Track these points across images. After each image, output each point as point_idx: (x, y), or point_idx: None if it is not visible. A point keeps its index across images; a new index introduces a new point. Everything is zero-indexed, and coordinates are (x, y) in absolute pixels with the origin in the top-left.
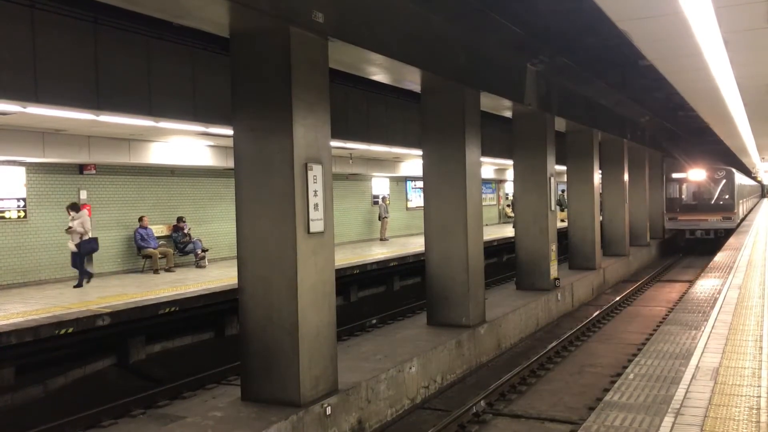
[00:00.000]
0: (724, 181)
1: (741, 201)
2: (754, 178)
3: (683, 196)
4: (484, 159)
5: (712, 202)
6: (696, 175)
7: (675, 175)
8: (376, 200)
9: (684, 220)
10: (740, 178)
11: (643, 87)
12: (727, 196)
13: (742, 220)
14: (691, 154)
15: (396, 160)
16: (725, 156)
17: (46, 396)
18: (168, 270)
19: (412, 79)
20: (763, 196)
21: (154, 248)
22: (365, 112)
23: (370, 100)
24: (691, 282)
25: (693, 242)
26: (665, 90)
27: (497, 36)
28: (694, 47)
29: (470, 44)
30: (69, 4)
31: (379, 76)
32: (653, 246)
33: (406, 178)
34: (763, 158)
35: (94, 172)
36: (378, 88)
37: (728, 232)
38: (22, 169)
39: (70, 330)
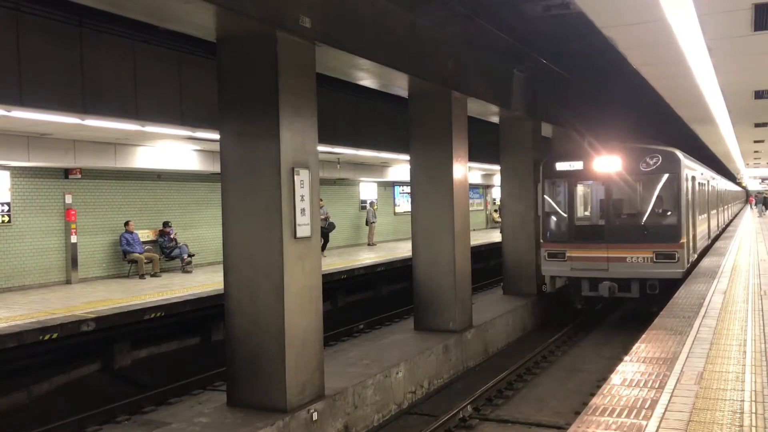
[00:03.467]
0: (662, 177)
1: (697, 217)
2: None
3: (576, 211)
4: (471, 164)
5: (636, 222)
6: (602, 164)
7: (561, 167)
8: (363, 205)
9: (577, 259)
10: (695, 172)
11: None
12: (666, 211)
13: (702, 255)
14: (601, 124)
15: (384, 165)
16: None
17: (30, 402)
18: (154, 275)
19: (399, 85)
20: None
21: (139, 253)
22: (353, 117)
23: (358, 105)
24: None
25: (601, 302)
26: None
27: (484, 42)
28: (678, 54)
29: (457, 50)
30: (54, 7)
31: (367, 81)
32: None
33: (393, 183)
34: (747, 164)
35: (79, 176)
36: (366, 93)
37: (670, 285)
38: (7, 174)
39: (55, 336)
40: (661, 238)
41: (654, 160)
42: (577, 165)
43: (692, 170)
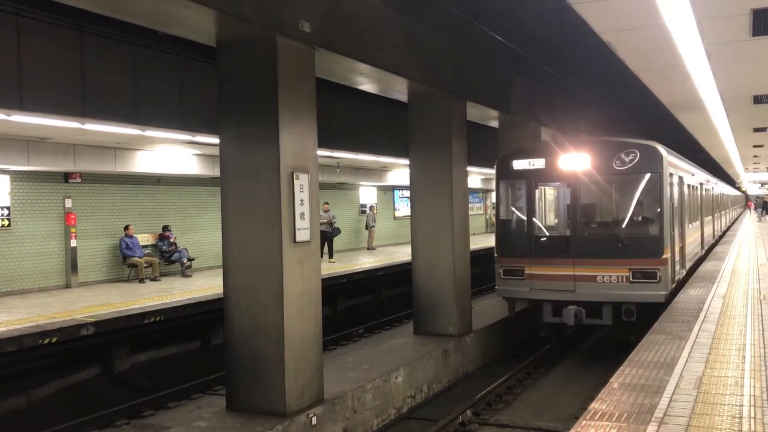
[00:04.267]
0: (641, 177)
1: (687, 225)
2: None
3: (537, 218)
4: (471, 168)
5: (608, 232)
6: (568, 162)
7: (519, 165)
8: (363, 209)
9: (538, 277)
10: (684, 172)
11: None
12: (646, 219)
13: (693, 270)
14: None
15: (383, 169)
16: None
17: (29, 406)
18: (153, 279)
19: (399, 89)
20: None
21: (139, 257)
22: (353, 121)
23: (358, 110)
24: None
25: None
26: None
27: (484, 47)
28: (676, 59)
29: (457, 55)
30: (55, 12)
31: (367, 85)
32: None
33: (393, 188)
34: (746, 168)
35: (79, 180)
36: (365, 98)
37: (650, 310)
38: (6, 178)
39: (54, 339)
40: (639, 252)
41: (630, 157)
42: (538, 163)
43: (679, 170)
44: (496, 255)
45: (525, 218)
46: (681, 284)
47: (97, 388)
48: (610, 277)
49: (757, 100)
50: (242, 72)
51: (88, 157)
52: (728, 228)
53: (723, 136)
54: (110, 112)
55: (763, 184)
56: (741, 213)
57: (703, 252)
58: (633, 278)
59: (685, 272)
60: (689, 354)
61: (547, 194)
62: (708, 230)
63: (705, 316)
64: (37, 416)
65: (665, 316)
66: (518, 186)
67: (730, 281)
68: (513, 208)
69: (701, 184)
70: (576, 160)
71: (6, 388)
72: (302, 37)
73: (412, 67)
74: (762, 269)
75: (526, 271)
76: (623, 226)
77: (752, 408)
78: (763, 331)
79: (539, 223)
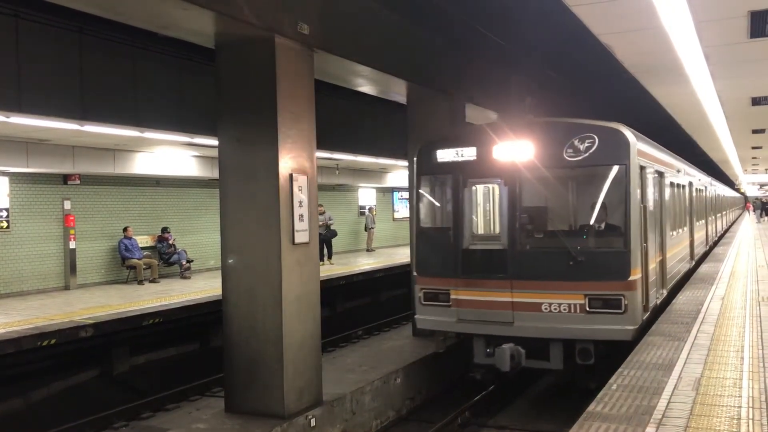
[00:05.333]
0: (600, 171)
1: (668, 234)
2: (737, 190)
3: (466, 226)
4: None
5: (557, 245)
6: (504, 152)
7: (443, 156)
8: (362, 211)
9: (467, 303)
10: (663, 166)
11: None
12: (609, 227)
13: (679, 287)
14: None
15: (383, 170)
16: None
17: (28, 408)
18: (152, 281)
19: (398, 91)
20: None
21: (138, 259)
22: (352, 123)
23: (357, 111)
24: None
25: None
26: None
27: (483, 49)
28: (675, 61)
29: (456, 57)
30: (54, 14)
31: (366, 87)
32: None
33: (392, 189)
34: (745, 170)
35: (78, 182)
36: (365, 99)
37: (614, 350)
38: (6, 179)
39: (53, 341)
40: (598, 272)
41: (586, 144)
42: (468, 153)
43: (656, 163)
44: (414, 274)
45: (451, 226)
46: (660, 310)
47: (96, 390)
48: (560, 305)
49: (756, 101)
50: (241, 74)
51: (87, 158)
52: (726, 230)
53: (721, 137)
54: (109, 114)
55: (762, 185)
56: (740, 215)
57: (693, 263)
58: (590, 307)
59: (666, 293)
60: (688, 355)
61: (480, 194)
62: (700, 237)
63: (704, 318)
64: (36, 418)
65: (664, 317)
66: (443, 183)
67: (729, 283)
68: (436, 213)
69: (690, 183)
70: (515, 150)
71: (5, 390)
72: (301, 38)
73: (412, 69)
74: (761, 271)
75: (452, 296)
76: (577, 237)
77: (751, 409)
78: (761, 332)
79: (469, 233)
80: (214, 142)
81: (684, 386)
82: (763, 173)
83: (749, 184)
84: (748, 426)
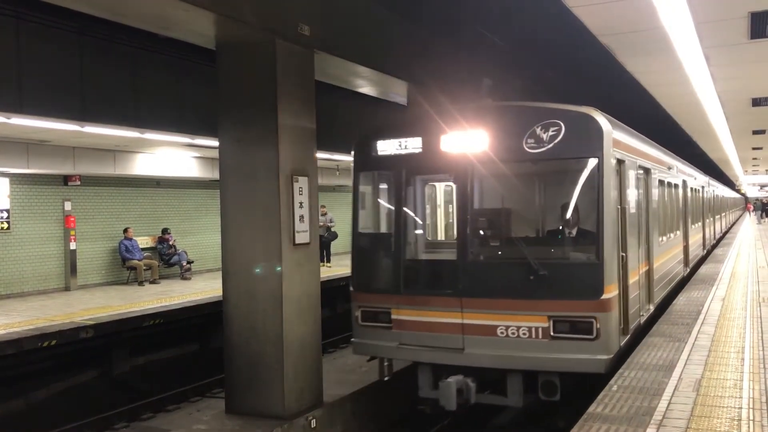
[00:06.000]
0: (569, 165)
1: (656, 242)
2: (737, 191)
3: (409, 233)
4: None
5: (515, 255)
6: (455, 142)
7: (384, 149)
8: None
9: (410, 326)
10: (649, 161)
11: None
12: (578, 234)
13: (669, 300)
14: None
15: None
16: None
17: (28, 408)
18: (153, 282)
19: (398, 92)
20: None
21: (138, 260)
22: (353, 124)
23: (358, 112)
24: None
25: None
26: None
27: (484, 50)
28: (675, 62)
29: (457, 58)
30: (54, 15)
31: (366, 88)
32: None
33: None
34: (745, 171)
35: (78, 183)
36: (365, 100)
37: (585, 383)
38: (6, 180)
39: (53, 342)
40: (565, 288)
41: (551, 132)
42: (412, 145)
43: (639, 156)
44: (351, 289)
45: (392, 232)
46: (646, 328)
47: (96, 391)
48: (519, 329)
49: (756, 102)
50: (241, 75)
51: (87, 159)
52: (726, 232)
53: (722, 138)
54: (110, 115)
55: (762, 186)
56: (740, 216)
57: (688, 271)
58: (555, 332)
59: (653, 308)
60: (688, 356)
61: (426, 194)
62: (696, 242)
63: (704, 319)
64: (36, 419)
65: (664, 318)
66: (384, 181)
67: (730, 284)
68: (376, 216)
69: (685, 183)
70: (467, 140)
71: (5, 391)
72: (302, 40)
73: (412, 70)
74: (761, 272)
75: (393, 316)
76: (540, 246)
77: (751, 410)
78: (762, 333)
79: (415, 240)
80: (215, 143)
81: (684, 387)
82: (763, 174)
83: (750, 185)
84: (749, 427)
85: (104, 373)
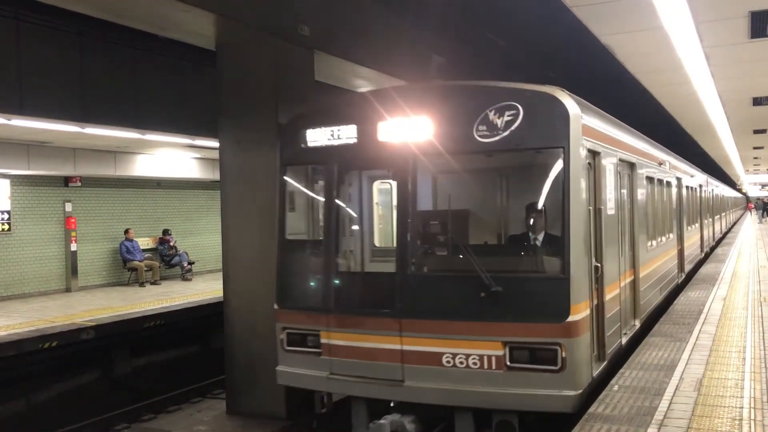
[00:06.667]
0: (528, 157)
1: (642, 248)
2: (739, 190)
3: (341, 240)
4: None
5: (463, 268)
6: (395, 130)
7: (314, 138)
8: None
9: (342, 351)
10: (622, 151)
11: None
12: (544, 239)
13: (660, 313)
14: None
15: None
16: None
17: (29, 410)
18: (154, 283)
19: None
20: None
21: (139, 261)
22: None
23: None
24: None
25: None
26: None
27: (485, 50)
28: (676, 61)
29: (458, 58)
30: (54, 16)
31: (366, 88)
32: None
33: None
34: (746, 170)
35: (79, 184)
36: None
37: (546, 423)
38: (7, 182)
39: (54, 343)
40: (523, 309)
41: (507, 117)
42: (346, 134)
43: (618, 148)
44: (275, 306)
45: (322, 239)
46: (631, 349)
47: (97, 392)
48: (469, 357)
49: (757, 102)
50: (241, 75)
51: (88, 160)
52: (727, 232)
53: (723, 137)
54: (110, 116)
55: (763, 185)
56: (741, 215)
57: (684, 277)
58: (512, 362)
59: (639, 324)
60: (689, 356)
61: (365, 193)
62: (693, 244)
63: (705, 318)
64: (37, 420)
65: (665, 318)
66: (315, 177)
67: (731, 283)
68: (304, 219)
69: (680, 180)
70: (408, 128)
71: (6, 392)
72: (302, 40)
73: (412, 71)
74: (762, 271)
75: (323, 339)
76: (493, 255)
77: (752, 410)
78: (763, 333)
79: (351, 248)
80: (215, 143)
81: (686, 387)
82: (764, 173)
83: (751, 184)
84: (750, 427)
85: (105, 374)
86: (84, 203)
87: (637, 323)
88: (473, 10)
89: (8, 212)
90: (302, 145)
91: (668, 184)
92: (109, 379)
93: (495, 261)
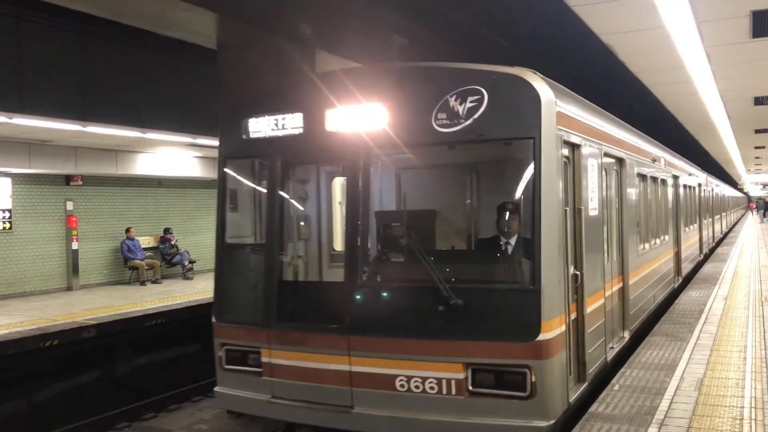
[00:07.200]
0: (494, 149)
1: (627, 250)
2: (740, 190)
3: (285, 245)
4: None
5: (421, 277)
6: (345, 119)
7: (257, 129)
8: None
9: (286, 372)
10: (607, 143)
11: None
12: (513, 245)
13: (652, 323)
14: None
15: None
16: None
17: (30, 409)
18: (155, 281)
19: None
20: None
21: (140, 260)
22: None
23: None
24: None
25: None
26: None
27: (484, 48)
28: (677, 61)
29: (457, 57)
30: (55, 15)
31: None
32: None
33: None
34: (748, 170)
35: (80, 183)
36: None
37: None
38: (8, 180)
39: (55, 342)
40: (488, 325)
41: (470, 104)
42: (291, 123)
43: (602, 140)
44: (213, 319)
45: (264, 243)
46: (619, 363)
47: (98, 391)
48: (425, 380)
49: (758, 101)
50: (242, 74)
51: (89, 159)
52: (728, 232)
53: (724, 137)
54: (111, 115)
55: (765, 185)
56: (742, 215)
57: (681, 280)
58: (474, 386)
59: (628, 336)
60: (690, 356)
61: (308, 191)
62: (691, 246)
63: (706, 318)
64: (38, 419)
65: (666, 317)
66: (258, 172)
67: (732, 283)
68: (246, 220)
69: (676, 179)
70: (359, 116)
71: (7, 391)
72: (302, 39)
73: None
74: (764, 271)
75: (264, 358)
76: (453, 263)
77: (753, 410)
78: (764, 332)
79: (294, 254)
80: (216, 142)
81: (686, 386)
82: (766, 173)
83: (752, 183)
84: (751, 426)
85: (106, 373)
86: (85, 202)
87: (627, 335)
88: (473, 10)
89: (9, 211)
90: (244, 137)
91: (663, 182)
92: (110, 378)
93: (457, 269)
